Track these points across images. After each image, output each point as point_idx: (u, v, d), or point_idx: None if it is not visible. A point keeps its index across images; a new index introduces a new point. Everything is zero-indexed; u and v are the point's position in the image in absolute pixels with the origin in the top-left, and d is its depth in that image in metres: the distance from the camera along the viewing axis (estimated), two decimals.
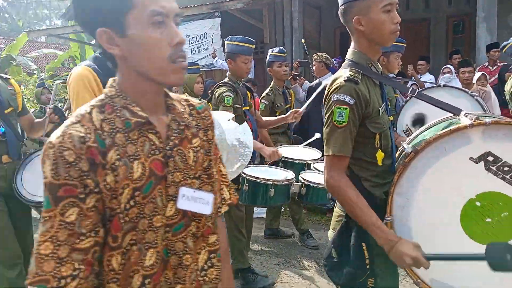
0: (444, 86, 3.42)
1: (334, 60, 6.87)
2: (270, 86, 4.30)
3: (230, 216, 3.28)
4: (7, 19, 36.90)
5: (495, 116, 1.48)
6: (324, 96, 1.58)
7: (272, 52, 4.23)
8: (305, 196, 2.90)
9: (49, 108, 2.73)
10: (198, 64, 5.14)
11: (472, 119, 1.37)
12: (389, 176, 1.54)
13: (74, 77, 1.97)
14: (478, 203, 1.42)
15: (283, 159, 3.21)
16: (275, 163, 3.24)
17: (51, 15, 39.24)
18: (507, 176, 1.37)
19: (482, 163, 1.39)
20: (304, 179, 2.91)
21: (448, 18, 8.60)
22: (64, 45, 22.28)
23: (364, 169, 1.56)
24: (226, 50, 3.41)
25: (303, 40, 6.62)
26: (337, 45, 9.23)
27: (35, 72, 17.42)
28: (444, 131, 1.40)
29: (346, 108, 1.46)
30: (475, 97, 3.11)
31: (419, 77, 6.70)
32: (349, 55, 1.61)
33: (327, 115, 1.52)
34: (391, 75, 3.91)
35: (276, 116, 4.15)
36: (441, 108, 1.61)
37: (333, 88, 1.51)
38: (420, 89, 3.60)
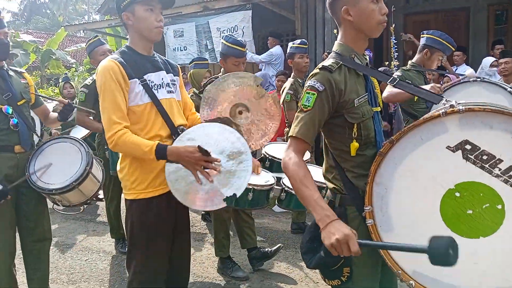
0: (481, 80, 3.23)
1: (368, 52, 6.72)
2: (291, 77, 4.26)
3: (216, 210, 3.32)
4: (49, 15, 38.23)
5: (473, 102, 1.39)
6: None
7: (294, 44, 4.21)
8: (284, 201, 2.88)
9: (64, 104, 2.81)
10: (206, 60, 5.17)
11: (446, 107, 1.32)
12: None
13: (100, 69, 2.06)
14: (457, 194, 1.36)
15: (269, 157, 3.14)
16: (261, 161, 3.17)
17: (89, 10, 40.32)
18: (486, 165, 1.31)
19: (459, 152, 1.34)
20: (285, 185, 2.86)
21: (489, 6, 8.17)
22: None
23: (345, 159, 1.59)
24: (220, 50, 3.39)
25: (335, 31, 6.49)
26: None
27: (73, 65, 17.97)
28: (418, 120, 1.37)
29: (314, 94, 1.51)
30: None
31: (455, 68, 6.43)
32: (334, 47, 1.66)
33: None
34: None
35: (297, 106, 4.13)
36: (420, 97, 1.63)
37: (310, 75, 1.58)
38: (456, 82, 3.43)
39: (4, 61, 2.65)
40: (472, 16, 8.32)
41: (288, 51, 4.25)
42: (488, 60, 6.10)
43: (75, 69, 17.47)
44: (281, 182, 2.89)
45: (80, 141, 2.84)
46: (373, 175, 1.47)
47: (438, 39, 3.51)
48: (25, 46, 16.33)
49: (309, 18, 8.15)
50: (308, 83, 1.55)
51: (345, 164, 1.60)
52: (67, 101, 2.83)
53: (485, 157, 1.31)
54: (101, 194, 4.40)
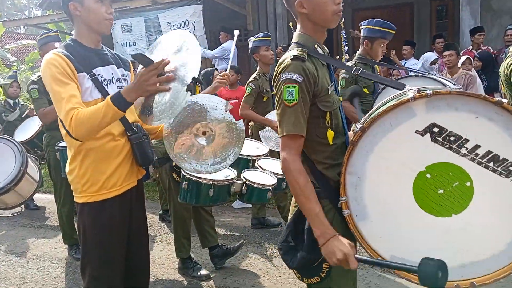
0: (422, 76, 3.36)
1: None
2: (257, 71, 4.22)
3: (175, 209, 3.34)
4: None
5: (437, 87, 1.47)
6: (273, 77, 1.58)
7: (257, 37, 4.14)
8: (245, 196, 2.86)
9: None
10: None
11: (414, 92, 1.38)
12: (341, 156, 1.53)
13: (45, 62, 1.92)
14: (428, 175, 1.41)
15: None
16: None
17: (30, 5, 38.25)
18: (454, 146, 1.37)
19: (428, 135, 1.38)
20: (246, 178, 2.84)
21: (431, 1, 8.56)
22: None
23: (316, 150, 1.57)
24: None
25: (290, 24, 6.53)
26: None
27: (14, 64, 17.01)
28: (387, 106, 1.40)
29: (295, 86, 1.46)
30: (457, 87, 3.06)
31: (404, 62, 6.67)
32: (295, 38, 1.62)
33: (277, 96, 1.51)
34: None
35: (263, 101, 4.20)
36: (385, 85, 1.68)
37: (281, 68, 1.51)
38: (401, 77, 3.54)
39: None
40: (416, 11, 8.67)
41: (251, 45, 4.15)
42: (430, 56, 6.36)
43: (17, 67, 16.53)
44: (241, 176, 2.87)
45: (13, 140, 2.68)
46: (345, 165, 1.48)
47: (374, 27, 3.55)
48: None
49: (261, 13, 8.17)
50: (284, 76, 1.48)
51: (315, 156, 1.57)
52: None
53: (452, 138, 1.37)
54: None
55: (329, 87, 1.54)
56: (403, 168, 1.43)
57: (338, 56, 6.66)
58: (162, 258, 3.83)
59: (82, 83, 1.93)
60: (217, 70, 6.22)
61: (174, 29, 8.09)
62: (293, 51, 1.52)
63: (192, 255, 3.52)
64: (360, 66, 3.58)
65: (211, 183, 2.65)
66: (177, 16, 8.13)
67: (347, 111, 3.58)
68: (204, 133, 2.30)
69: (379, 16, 8.57)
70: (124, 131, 2.05)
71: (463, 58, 5.31)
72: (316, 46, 1.59)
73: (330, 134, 1.54)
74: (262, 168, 3.04)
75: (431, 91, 1.34)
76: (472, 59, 5.41)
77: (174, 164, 3.32)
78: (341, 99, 1.66)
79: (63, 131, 2.01)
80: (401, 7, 8.84)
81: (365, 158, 1.46)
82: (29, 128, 4.50)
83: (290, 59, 1.49)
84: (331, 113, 1.55)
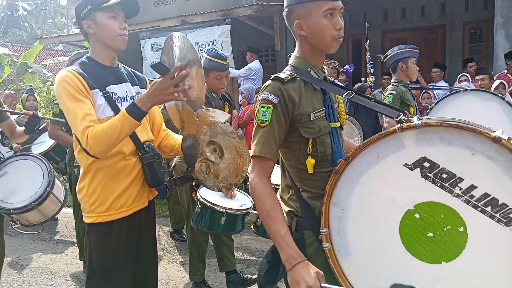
0: (472, 90, 3.27)
1: (349, 66, 6.72)
2: None
3: (192, 232, 3.29)
4: (27, 28, 37.69)
5: (431, 117, 1.33)
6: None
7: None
8: (260, 228, 2.69)
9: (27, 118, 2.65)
10: None
11: (403, 122, 1.25)
12: None
13: (58, 80, 1.88)
14: (417, 215, 1.26)
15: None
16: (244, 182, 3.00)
17: (68, 23, 39.91)
18: (446, 184, 1.21)
19: (418, 170, 1.24)
20: None
21: (465, 24, 8.34)
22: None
23: (300, 178, 1.50)
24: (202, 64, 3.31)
25: None
26: (350, 53, 9.05)
27: (50, 79, 17.60)
28: (374, 136, 1.28)
29: (269, 107, 1.42)
30: (506, 99, 2.94)
31: (433, 85, 6.48)
32: (290, 59, 1.59)
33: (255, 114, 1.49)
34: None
35: None
36: (378, 112, 1.57)
37: (262, 87, 1.49)
38: (448, 93, 3.47)
39: None
40: (448, 34, 8.47)
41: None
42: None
43: (51, 82, 17.11)
44: None
45: (43, 159, 2.70)
46: (329, 195, 1.37)
47: (402, 50, 3.59)
48: None
49: (288, 34, 8.15)
50: (261, 96, 1.45)
51: (301, 183, 1.50)
52: (31, 112, 2.66)
53: (444, 176, 1.21)
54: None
55: (313, 113, 1.47)
56: (389, 205, 1.29)
57: (364, 78, 6.52)
58: (176, 280, 3.74)
59: (95, 100, 1.89)
60: None
61: (203, 48, 8.19)
62: (281, 73, 1.49)
63: (206, 278, 3.42)
64: (402, 89, 3.55)
65: (224, 211, 2.54)
66: (205, 36, 8.24)
67: None
68: (214, 150, 2.17)
69: (410, 38, 8.48)
70: (135, 150, 1.99)
71: (496, 82, 5.10)
72: (309, 69, 1.53)
73: (310, 162, 1.45)
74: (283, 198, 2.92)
75: (419, 122, 1.19)
76: (506, 84, 5.18)
77: (194, 184, 3.26)
78: (335, 125, 1.55)
79: (76, 149, 1.98)
80: (432, 29, 8.66)
81: (350, 189, 1.35)
82: (46, 141, 4.54)
83: (271, 79, 1.47)
84: (314, 140, 1.47)
